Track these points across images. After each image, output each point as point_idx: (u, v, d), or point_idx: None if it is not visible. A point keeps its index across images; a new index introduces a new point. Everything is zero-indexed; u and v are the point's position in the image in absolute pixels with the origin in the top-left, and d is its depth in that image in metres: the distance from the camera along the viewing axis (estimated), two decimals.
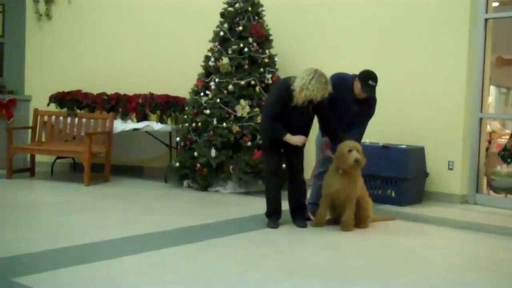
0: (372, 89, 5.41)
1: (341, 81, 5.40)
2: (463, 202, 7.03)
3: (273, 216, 5.44)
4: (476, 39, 6.98)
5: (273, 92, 5.38)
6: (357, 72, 5.56)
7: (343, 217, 5.32)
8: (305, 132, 5.37)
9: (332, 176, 5.35)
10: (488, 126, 8.20)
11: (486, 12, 6.97)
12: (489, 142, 8.38)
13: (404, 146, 6.89)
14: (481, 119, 7.07)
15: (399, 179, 6.73)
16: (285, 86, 5.12)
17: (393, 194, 6.80)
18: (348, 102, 5.45)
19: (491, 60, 7.36)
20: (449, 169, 7.04)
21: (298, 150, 5.39)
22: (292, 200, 5.54)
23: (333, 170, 5.37)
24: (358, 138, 5.54)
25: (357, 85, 5.41)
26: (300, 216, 5.51)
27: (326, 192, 5.37)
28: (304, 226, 5.40)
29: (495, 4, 7.62)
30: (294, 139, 5.20)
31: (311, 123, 5.45)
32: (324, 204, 5.40)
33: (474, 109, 7.04)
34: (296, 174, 5.46)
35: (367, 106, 5.55)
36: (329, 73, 7.69)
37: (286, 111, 5.16)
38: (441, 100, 7.09)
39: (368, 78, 5.39)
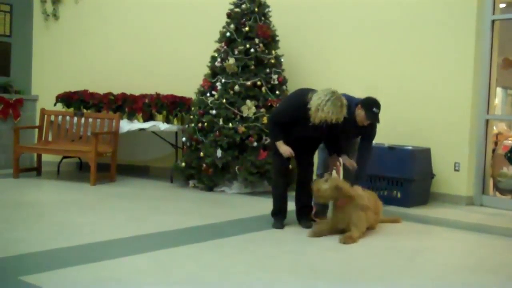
0: (376, 116, 5.37)
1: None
2: (469, 204, 7.01)
3: (278, 215, 5.45)
4: (482, 41, 6.97)
5: (288, 101, 5.40)
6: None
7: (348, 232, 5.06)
8: (316, 144, 5.49)
9: (333, 212, 5.30)
10: (494, 128, 8.17)
11: (493, 13, 6.96)
12: (496, 143, 8.35)
13: (410, 147, 6.88)
14: (487, 120, 7.05)
15: (405, 180, 6.72)
16: (302, 103, 5.12)
17: (399, 195, 6.79)
18: (349, 127, 5.40)
19: (498, 62, 7.34)
20: (455, 170, 7.03)
21: (307, 152, 5.43)
22: (298, 200, 5.56)
23: (333, 207, 5.33)
24: (369, 160, 5.56)
25: (360, 113, 5.35)
26: (306, 217, 5.52)
27: (330, 224, 5.27)
28: (310, 226, 5.40)
29: (502, 5, 7.61)
30: (282, 148, 5.24)
31: (324, 137, 5.45)
32: (326, 227, 5.25)
33: (481, 110, 7.02)
34: (304, 175, 5.48)
35: (370, 129, 5.52)
36: (336, 76, 7.75)
37: (300, 126, 5.20)
38: (447, 101, 7.07)
39: (373, 105, 5.34)
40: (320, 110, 4.97)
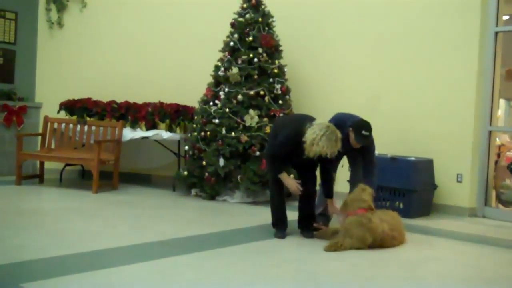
0: (366, 138, 5.33)
1: (338, 127, 5.25)
2: (472, 215, 6.99)
3: (279, 226, 5.45)
4: (486, 52, 6.97)
5: (285, 132, 5.28)
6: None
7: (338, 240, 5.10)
8: (313, 168, 5.47)
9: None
10: (497, 139, 8.17)
11: (497, 25, 6.97)
12: (498, 155, 8.34)
13: (412, 158, 6.87)
14: (490, 132, 7.05)
15: (408, 191, 6.72)
16: (297, 137, 5.09)
17: (401, 206, 6.77)
18: (349, 148, 5.43)
19: (501, 73, 7.34)
20: (458, 181, 7.02)
21: (309, 163, 5.37)
22: (301, 209, 5.55)
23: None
24: (375, 174, 5.53)
25: (351, 135, 5.34)
26: (307, 227, 5.51)
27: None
28: (311, 236, 5.39)
29: (506, 17, 7.62)
30: (289, 182, 5.27)
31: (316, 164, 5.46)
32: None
33: (484, 122, 7.02)
34: (307, 184, 5.46)
35: (368, 145, 5.46)
36: (339, 87, 7.75)
37: (295, 156, 5.21)
38: (450, 112, 7.08)
39: (361, 128, 5.31)
40: (315, 145, 4.95)
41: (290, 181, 5.29)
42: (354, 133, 5.32)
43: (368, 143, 5.42)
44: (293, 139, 5.14)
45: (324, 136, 4.94)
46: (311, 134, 4.99)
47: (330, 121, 5.49)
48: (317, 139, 4.94)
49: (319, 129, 4.99)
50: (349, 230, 5.06)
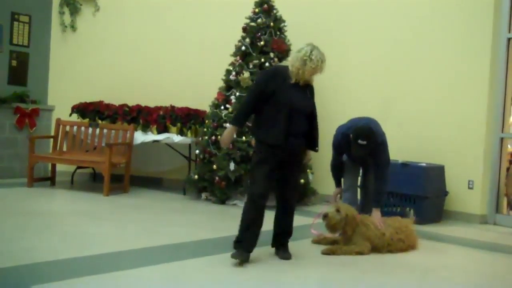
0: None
1: (343, 138, 5.32)
2: (483, 222, 6.96)
3: (243, 245, 4.56)
4: (498, 59, 6.95)
5: (256, 79, 4.93)
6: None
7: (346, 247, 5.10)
8: (311, 125, 4.66)
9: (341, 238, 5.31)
10: (509, 146, 8.11)
11: (509, 31, 6.95)
12: (510, 162, 8.28)
13: (424, 164, 6.85)
14: (502, 139, 7.01)
15: (419, 197, 6.69)
16: (270, 69, 4.69)
17: (412, 212, 6.75)
18: (353, 156, 5.42)
19: None
20: (469, 188, 6.99)
21: (294, 171, 4.73)
22: (276, 225, 4.84)
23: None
24: (382, 186, 5.40)
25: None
26: (283, 246, 4.84)
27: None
28: (288, 257, 4.73)
29: None
30: (225, 134, 4.65)
31: (315, 116, 4.72)
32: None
33: (495, 128, 6.99)
34: (288, 197, 4.78)
35: (376, 157, 5.31)
36: (350, 93, 7.72)
37: (282, 92, 4.46)
38: (462, 119, 7.05)
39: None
40: (308, 60, 4.39)
41: (226, 135, 4.64)
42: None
43: (361, 154, 5.24)
44: (268, 78, 4.51)
45: (316, 49, 4.47)
46: (296, 55, 4.47)
47: (344, 124, 5.53)
48: (307, 54, 4.41)
49: (305, 47, 4.49)
50: (349, 236, 5.12)
